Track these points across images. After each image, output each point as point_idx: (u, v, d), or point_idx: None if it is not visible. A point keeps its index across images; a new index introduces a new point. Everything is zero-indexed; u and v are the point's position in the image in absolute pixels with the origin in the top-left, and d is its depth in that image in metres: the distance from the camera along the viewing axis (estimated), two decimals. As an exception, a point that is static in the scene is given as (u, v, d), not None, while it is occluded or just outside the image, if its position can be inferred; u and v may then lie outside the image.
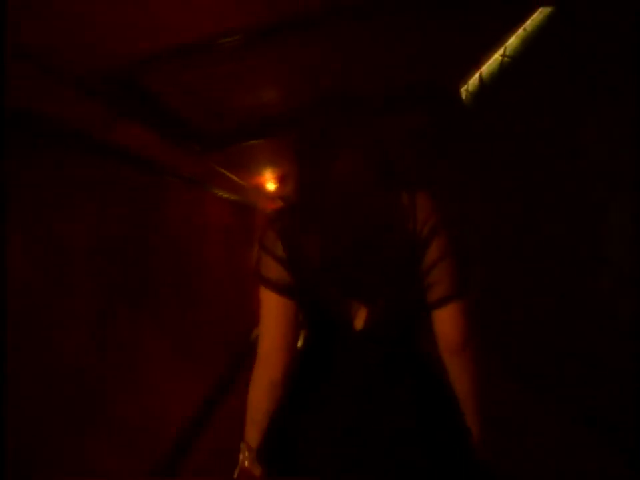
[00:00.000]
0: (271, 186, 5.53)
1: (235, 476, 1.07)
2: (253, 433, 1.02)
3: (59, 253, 2.02)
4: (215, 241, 5.18)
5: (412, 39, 2.20)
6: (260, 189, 5.99)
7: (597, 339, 1.96)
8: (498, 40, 2.34)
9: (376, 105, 3.10)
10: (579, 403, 2.11)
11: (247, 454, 1.03)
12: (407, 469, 0.88)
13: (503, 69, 2.44)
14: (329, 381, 0.98)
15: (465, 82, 2.92)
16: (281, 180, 5.46)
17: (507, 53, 2.36)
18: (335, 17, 1.83)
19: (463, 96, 3.02)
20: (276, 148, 3.89)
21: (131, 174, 3.01)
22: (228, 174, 4.39)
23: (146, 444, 2.55)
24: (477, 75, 2.77)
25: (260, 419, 1.01)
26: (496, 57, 2.48)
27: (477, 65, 2.67)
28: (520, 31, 2.21)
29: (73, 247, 2.14)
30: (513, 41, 2.29)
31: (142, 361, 2.75)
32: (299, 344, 1.04)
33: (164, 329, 3.17)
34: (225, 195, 5.51)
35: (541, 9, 2.00)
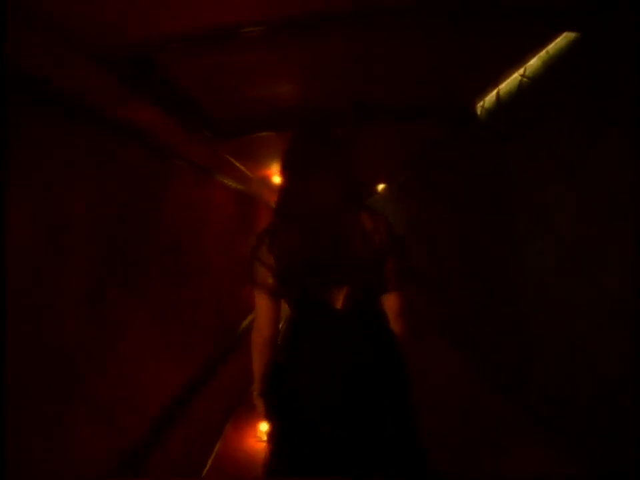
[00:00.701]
0: (277, 179, 5.52)
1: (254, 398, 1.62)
2: (257, 379, 1.57)
3: (55, 225, 2.01)
4: (216, 230, 5.17)
5: (434, 50, 2.19)
6: (265, 181, 5.99)
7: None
8: (519, 60, 2.33)
9: (389, 111, 3.13)
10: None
11: (254, 393, 1.61)
12: (368, 383, 1.37)
13: (522, 89, 2.43)
14: (315, 340, 1.41)
15: (482, 98, 2.91)
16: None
17: (527, 73, 2.36)
18: (361, 21, 1.82)
19: (478, 112, 3.01)
20: (286, 142, 3.88)
21: (138, 153, 3.00)
22: (235, 163, 4.38)
23: (125, 423, 2.54)
24: (494, 92, 2.76)
25: (258, 367, 1.54)
26: (515, 76, 2.47)
27: (496, 82, 2.66)
28: (542, 53, 2.20)
29: (71, 221, 2.13)
30: (534, 62, 2.28)
31: (128, 341, 2.74)
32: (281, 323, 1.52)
33: (154, 312, 3.16)
34: (230, 184, 5.50)
35: (565, 34, 1.99)
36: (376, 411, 1.36)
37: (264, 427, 2.82)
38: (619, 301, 1.81)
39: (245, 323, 5.89)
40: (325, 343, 1.39)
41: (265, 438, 2.77)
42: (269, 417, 1.54)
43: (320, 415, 1.36)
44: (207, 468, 2.52)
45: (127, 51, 1.85)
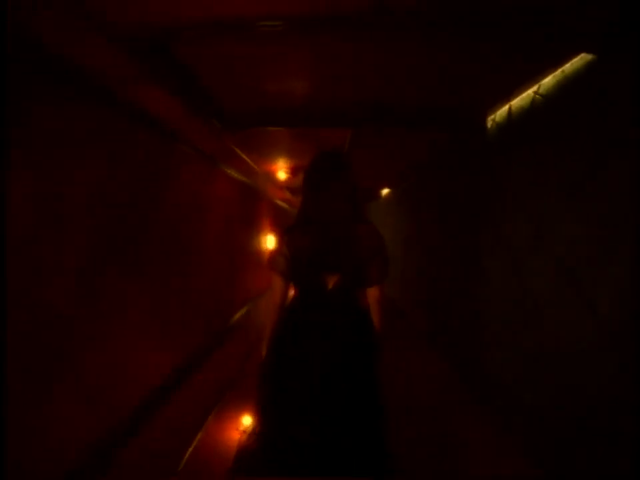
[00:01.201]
0: (282, 175, 5.52)
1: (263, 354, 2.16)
2: (266, 335, 2.14)
3: (58, 197, 2.01)
4: (216, 221, 5.17)
5: (449, 60, 2.19)
6: (270, 176, 5.98)
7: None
8: (533, 77, 2.33)
9: (400, 116, 3.13)
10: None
11: (263, 343, 2.16)
12: (346, 338, 1.93)
13: (534, 106, 2.43)
14: (310, 309, 1.99)
15: (494, 112, 2.91)
16: (293, 171, 5.44)
17: (541, 91, 2.35)
18: (380, 25, 1.82)
19: (489, 125, 3.01)
20: (294, 138, 3.88)
21: (145, 136, 3.00)
22: (242, 155, 4.38)
23: (111, 402, 2.54)
24: (506, 107, 2.76)
25: (269, 325, 2.12)
26: (529, 93, 2.47)
27: (509, 97, 2.66)
28: (558, 72, 2.20)
29: (73, 194, 2.13)
30: (548, 80, 2.28)
31: (121, 322, 2.74)
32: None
33: (149, 296, 3.16)
34: (235, 176, 5.49)
35: (582, 55, 1.99)
36: (350, 360, 1.92)
37: (247, 420, 2.82)
38: (609, 323, 1.81)
39: (237, 316, 5.89)
40: (317, 312, 1.97)
41: (248, 431, 2.78)
42: (268, 364, 2.10)
43: (310, 359, 1.92)
44: (186, 455, 2.51)
45: (145, 33, 1.85)
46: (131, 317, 2.89)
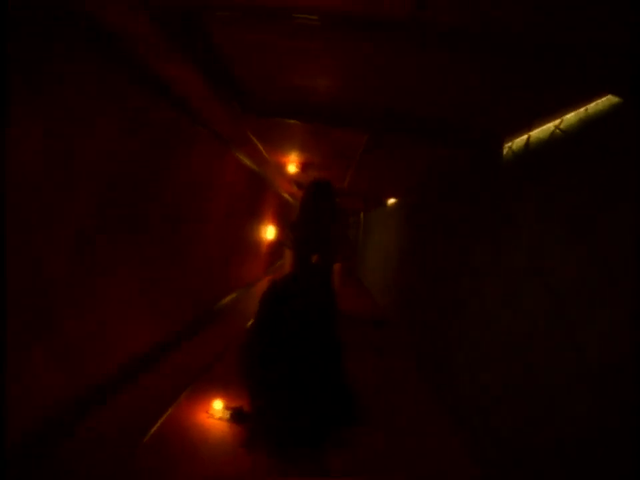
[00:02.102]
0: (292, 168, 5.51)
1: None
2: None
3: (65, 156, 2.00)
4: (221, 204, 5.17)
5: (477, 82, 2.19)
6: (281, 168, 5.98)
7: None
8: (556, 111, 2.33)
9: (416, 129, 3.13)
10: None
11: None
12: (323, 309, 2.95)
13: (553, 140, 2.43)
14: (300, 273, 3.10)
15: (512, 139, 2.91)
16: (303, 167, 5.44)
17: (562, 126, 2.35)
18: (412, 36, 1.82)
19: (505, 151, 3.01)
20: (310, 135, 3.88)
21: (165, 109, 2.99)
22: (256, 143, 4.37)
23: (89, 364, 2.54)
24: (525, 137, 2.75)
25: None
26: (550, 126, 2.46)
27: (529, 127, 2.66)
28: (581, 110, 2.19)
29: (84, 155, 2.12)
30: (571, 117, 2.27)
31: (111, 288, 2.74)
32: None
33: (141, 267, 3.16)
34: (246, 162, 5.49)
35: (608, 96, 1.99)
36: (322, 307, 2.97)
37: (218, 404, 2.82)
38: (593, 364, 1.81)
39: (226, 300, 5.89)
40: (305, 274, 3.10)
41: (216, 416, 2.78)
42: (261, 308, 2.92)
43: (300, 307, 2.81)
44: (153, 429, 2.51)
45: (179, 7, 1.84)
46: (120, 286, 2.89)
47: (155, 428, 2.53)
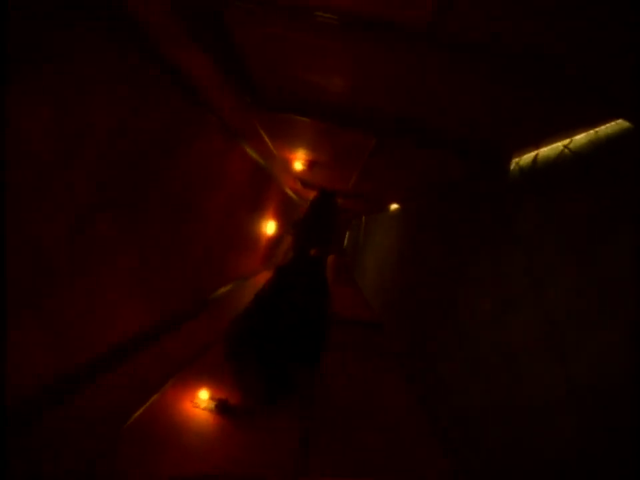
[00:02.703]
0: (298, 166, 5.51)
1: None
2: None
3: (71, 134, 2.00)
4: (224, 195, 5.16)
5: (489, 96, 2.19)
6: (286, 165, 5.97)
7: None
8: (566, 131, 2.32)
9: (424, 136, 3.12)
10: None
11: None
12: (314, 281, 3.68)
13: (561, 160, 2.43)
14: (297, 263, 3.80)
15: (520, 155, 2.90)
16: (309, 165, 5.43)
17: (571, 146, 2.35)
18: (430, 45, 1.82)
19: (511, 166, 3.00)
20: (319, 134, 3.87)
21: (175, 95, 2.99)
22: (264, 136, 4.36)
23: (79, 344, 2.54)
24: (533, 154, 2.75)
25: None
26: (559, 145, 2.46)
27: (537, 144, 2.66)
28: (591, 132, 2.19)
29: (93, 135, 2.12)
30: (581, 138, 2.27)
31: (106, 270, 2.74)
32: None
33: (139, 253, 3.15)
34: (252, 155, 5.49)
35: (619, 120, 1.99)
36: (314, 292, 3.57)
37: (204, 394, 2.82)
38: (583, 387, 1.81)
39: (221, 291, 5.88)
40: (302, 264, 3.68)
41: (201, 406, 2.78)
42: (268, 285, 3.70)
43: (293, 289, 3.50)
44: (137, 414, 2.51)
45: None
46: (117, 268, 2.89)
47: (138, 412, 2.53)
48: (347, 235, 17.44)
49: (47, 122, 1.77)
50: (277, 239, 9.13)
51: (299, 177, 7.30)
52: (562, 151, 2.43)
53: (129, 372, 2.92)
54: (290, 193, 10.49)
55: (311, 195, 10.39)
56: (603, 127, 2.10)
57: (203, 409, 2.76)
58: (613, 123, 2.04)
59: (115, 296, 2.91)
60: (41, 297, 2.09)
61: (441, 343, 3.74)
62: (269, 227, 8.75)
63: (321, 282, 3.68)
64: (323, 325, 3.54)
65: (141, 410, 2.56)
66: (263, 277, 6.06)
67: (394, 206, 7.96)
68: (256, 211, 7.41)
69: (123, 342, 3.07)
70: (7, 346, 1.67)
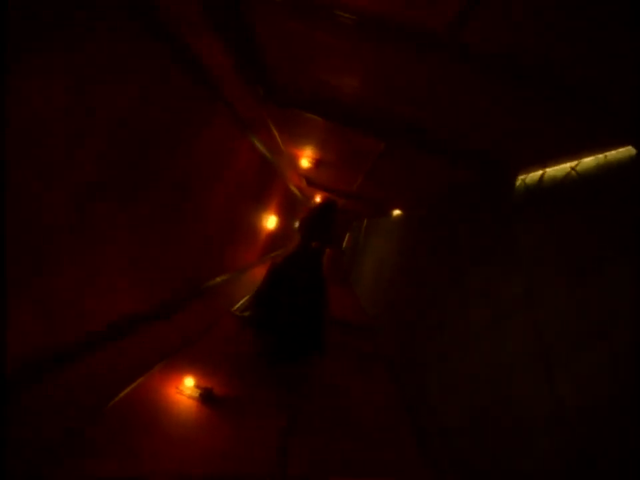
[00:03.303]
0: (304, 162, 5.50)
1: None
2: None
3: (85, 111, 2.00)
4: (228, 185, 5.15)
5: (501, 110, 2.19)
6: (293, 161, 5.97)
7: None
8: (575, 153, 2.32)
9: (432, 144, 3.12)
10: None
11: None
12: (312, 271, 4.35)
13: (567, 181, 2.42)
14: (300, 253, 4.48)
15: (527, 172, 2.90)
16: (316, 163, 5.43)
17: (578, 168, 2.34)
18: (448, 56, 1.82)
19: (517, 183, 3.00)
20: (329, 133, 3.87)
21: (188, 80, 2.98)
22: (273, 130, 4.36)
23: (71, 320, 2.54)
24: (539, 172, 2.75)
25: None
26: (566, 166, 2.45)
27: (545, 163, 2.65)
28: (600, 155, 2.18)
29: (98, 111, 2.11)
30: (589, 160, 2.26)
31: (105, 246, 2.73)
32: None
33: (139, 230, 3.15)
34: (259, 148, 5.48)
35: (628, 147, 1.98)
36: (313, 284, 4.22)
37: (189, 382, 2.82)
38: (571, 408, 1.81)
39: (215, 281, 5.88)
40: (303, 255, 4.40)
41: (185, 393, 2.77)
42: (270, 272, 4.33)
43: (293, 279, 4.19)
44: (120, 396, 2.51)
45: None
46: (115, 246, 2.88)
47: (122, 394, 2.53)
48: (347, 236, 17.46)
49: (59, 98, 1.76)
50: (276, 234, 9.11)
51: (304, 175, 7.30)
52: (569, 172, 2.42)
53: (117, 354, 2.91)
54: (294, 189, 10.49)
55: (315, 193, 10.44)
56: (613, 152, 2.10)
57: (187, 397, 2.76)
58: (623, 149, 2.03)
59: (110, 277, 2.90)
60: (36, 270, 2.08)
61: (430, 353, 3.74)
62: (270, 222, 8.74)
63: (319, 268, 4.42)
64: (322, 306, 4.23)
65: (124, 392, 2.56)
66: (260, 271, 6.06)
67: (396, 212, 7.95)
68: (258, 205, 7.40)
69: (115, 323, 3.07)
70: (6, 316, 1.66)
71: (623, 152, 2.03)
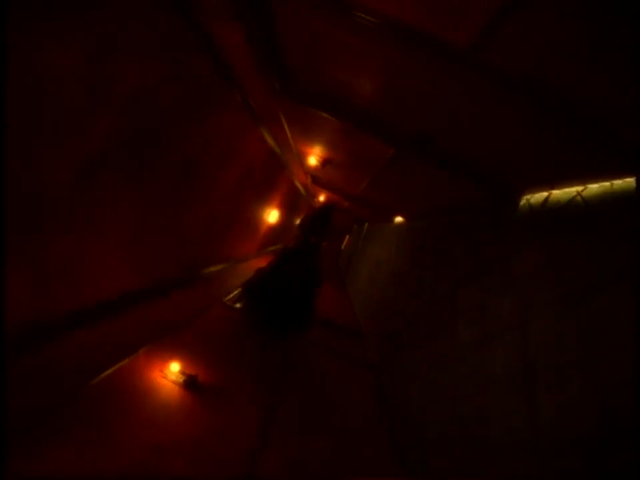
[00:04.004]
0: (312, 160, 5.49)
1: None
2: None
3: (103, 82, 1.99)
4: (233, 174, 5.14)
5: (513, 129, 2.19)
6: (301, 157, 5.96)
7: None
8: (582, 178, 2.31)
9: (439, 156, 3.12)
10: None
11: None
12: (308, 262, 6.57)
13: (571, 205, 2.42)
14: (300, 247, 7.97)
15: (532, 192, 2.89)
16: (323, 162, 5.42)
17: (584, 193, 2.34)
18: (468, 67, 1.81)
19: (522, 202, 2.99)
20: (339, 133, 3.86)
21: (206, 66, 2.98)
22: (284, 125, 4.35)
23: (65, 292, 2.53)
24: (545, 194, 2.74)
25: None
26: (572, 190, 2.45)
27: (552, 185, 2.65)
28: (607, 184, 2.18)
29: (120, 86, 2.11)
30: (595, 187, 2.26)
31: (102, 220, 2.72)
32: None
33: (140, 210, 3.14)
34: (268, 141, 5.47)
35: (636, 177, 1.98)
36: (308, 272, 5.93)
37: (174, 367, 2.81)
38: (548, 433, 1.81)
39: (211, 269, 5.87)
40: (304, 246, 7.96)
41: (169, 377, 2.77)
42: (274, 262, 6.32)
43: (291, 267, 5.81)
44: (104, 374, 2.50)
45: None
46: (116, 221, 2.87)
47: (107, 372, 2.53)
48: (346, 238, 17.45)
49: (78, 65, 1.75)
50: (277, 228, 9.16)
51: (310, 172, 7.29)
52: (574, 197, 2.42)
53: (108, 330, 2.91)
54: (299, 185, 10.48)
55: (319, 192, 10.57)
56: (619, 181, 2.10)
57: (171, 382, 2.76)
58: (628, 180, 2.03)
59: (107, 252, 2.90)
60: (36, 237, 2.08)
61: (416, 364, 3.73)
62: (272, 215, 8.73)
63: (316, 259, 5.52)
64: (314, 289, 5.39)
65: (109, 370, 2.55)
66: (256, 263, 6.04)
67: (398, 219, 7.95)
68: (262, 197, 7.39)
69: (108, 299, 3.06)
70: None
71: (629, 182, 2.03)
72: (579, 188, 2.40)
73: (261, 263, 5.78)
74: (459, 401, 2.68)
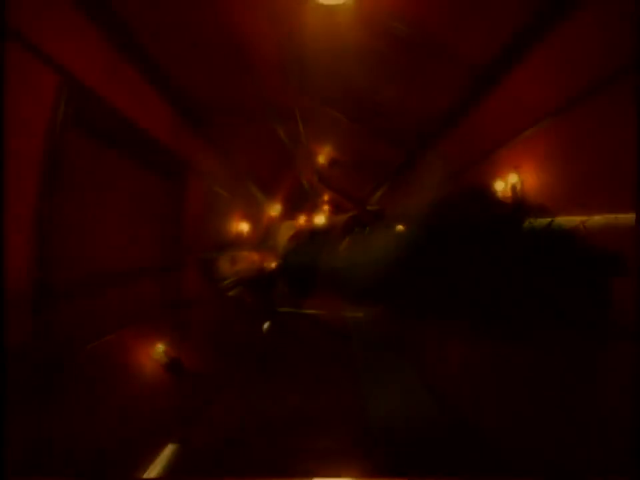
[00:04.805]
0: (321, 159, 5.49)
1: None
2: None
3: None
4: (239, 163, 5.12)
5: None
6: (311, 154, 5.94)
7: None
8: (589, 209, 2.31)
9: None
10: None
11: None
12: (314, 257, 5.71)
13: (573, 232, 2.41)
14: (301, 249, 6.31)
15: (537, 216, 2.88)
16: (331, 162, 5.41)
17: (587, 224, 2.33)
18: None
19: (525, 223, 2.98)
20: (352, 135, 3.86)
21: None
22: (299, 122, 4.34)
23: (63, 261, 2.51)
24: (549, 219, 2.73)
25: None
26: (576, 218, 2.45)
27: (556, 213, 2.64)
28: (612, 216, 2.17)
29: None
30: (599, 218, 2.26)
31: (109, 193, 2.71)
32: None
33: (142, 203, 3.13)
34: (280, 134, 5.45)
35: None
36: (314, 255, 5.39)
37: (160, 347, 2.80)
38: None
39: (208, 255, 5.84)
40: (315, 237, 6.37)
41: (155, 357, 2.76)
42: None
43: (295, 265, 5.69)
44: (91, 345, 2.50)
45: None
46: (118, 196, 2.86)
47: (94, 343, 2.51)
48: (346, 240, 17.36)
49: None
50: (275, 223, 9.07)
51: (317, 170, 7.27)
52: (577, 225, 2.41)
53: (103, 303, 2.89)
54: (304, 182, 10.43)
55: (324, 191, 10.37)
56: (627, 214, 2.09)
57: (155, 361, 2.74)
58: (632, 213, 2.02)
59: (110, 226, 2.88)
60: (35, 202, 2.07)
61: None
62: (274, 209, 8.67)
63: (320, 250, 5.43)
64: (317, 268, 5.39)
65: (97, 342, 2.54)
66: (253, 256, 6.02)
67: (399, 227, 7.93)
68: (265, 190, 7.36)
69: (106, 272, 3.05)
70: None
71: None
72: (583, 217, 2.39)
73: (260, 258, 5.88)
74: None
